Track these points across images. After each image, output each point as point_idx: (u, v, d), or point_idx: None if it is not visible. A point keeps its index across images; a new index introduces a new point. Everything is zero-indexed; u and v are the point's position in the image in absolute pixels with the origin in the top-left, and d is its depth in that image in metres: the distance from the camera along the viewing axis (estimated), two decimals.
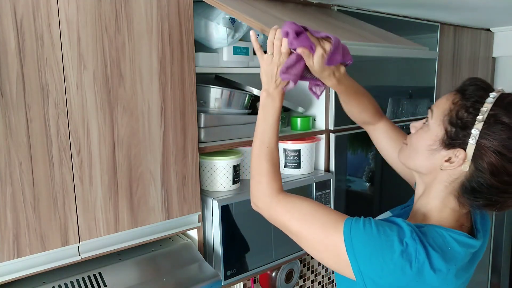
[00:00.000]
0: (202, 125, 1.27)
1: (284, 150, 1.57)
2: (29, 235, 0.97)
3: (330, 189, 1.62)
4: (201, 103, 1.34)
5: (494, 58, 2.77)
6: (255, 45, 0.96)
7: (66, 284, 1.07)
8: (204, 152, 1.31)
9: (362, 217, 0.80)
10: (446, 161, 0.79)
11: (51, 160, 0.98)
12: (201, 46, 1.32)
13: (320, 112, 1.66)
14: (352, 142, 1.74)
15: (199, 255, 1.28)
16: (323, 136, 1.66)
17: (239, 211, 1.33)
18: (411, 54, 1.40)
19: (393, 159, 1.09)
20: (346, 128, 1.69)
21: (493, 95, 0.75)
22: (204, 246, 1.33)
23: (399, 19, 1.93)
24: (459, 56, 2.38)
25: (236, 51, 1.35)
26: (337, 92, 1.04)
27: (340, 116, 1.66)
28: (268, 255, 1.43)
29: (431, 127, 0.82)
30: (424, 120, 0.87)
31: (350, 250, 0.76)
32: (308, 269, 2.07)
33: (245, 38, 1.41)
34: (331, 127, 1.65)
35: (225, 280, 1.31)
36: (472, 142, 0.74)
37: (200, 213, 1.28)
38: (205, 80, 1.50)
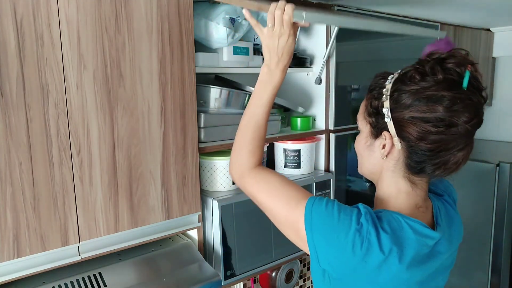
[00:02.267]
0: (202, 125, 1.27)
1: (284, 150, 1.57)
2: (29, 235, 0.97)
3: (330, 189, 1.62)
4: (201, 103, 1.34)
5: (494, 58, 2.77)
6: (251, 21, 0.92)
7: (66, 284, 1.07)
8: (204, 152, 1.31)
9: (326, 197, 0.83)
10: (382, 149, 0.82)
11: (51, 160, 0.98)
12: (201, 46, 1.32)
13: (320, 112, 1.66)
14: (352, 142, 1.74)
15: (199, 255, 1.27)
16: (323, 136, 1.66)
17: (239, 211, 1.33)
18: (421, 32, 1.48)
19: None
20: (346, 128, 1.69)
21: (391, 77, 0.81)
22: (204, 246, 1.33)
23: (399, 19, 1.93)
24: None
25: (236, 51, 1.35)
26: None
27: (340, 116, 1.66)
28: (268, 255, 1.43)
29: (361, 129, 0.88)
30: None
31: (308, 224, 0.79)
32: (308, 269, 2.07)
33: (245, 38, 1.41)
34: (331, 127, 1.65)
35: (225, 280, 1.31)
36: (388, 120, 0.79)
37: (200, 213, 1.28)
38: (205, 80, 1.50)
